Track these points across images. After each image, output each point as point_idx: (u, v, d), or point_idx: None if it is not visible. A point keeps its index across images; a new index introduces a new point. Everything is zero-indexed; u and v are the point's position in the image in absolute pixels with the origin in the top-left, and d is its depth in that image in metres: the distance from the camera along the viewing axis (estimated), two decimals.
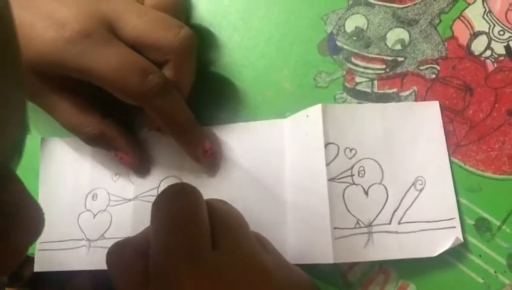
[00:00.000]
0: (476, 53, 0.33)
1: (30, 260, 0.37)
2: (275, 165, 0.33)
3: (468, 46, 0.33)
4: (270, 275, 0.25)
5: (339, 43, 0.35)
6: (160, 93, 0.30)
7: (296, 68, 0.36)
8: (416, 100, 0.33)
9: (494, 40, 0.33)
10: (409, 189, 0.31)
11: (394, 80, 0.34)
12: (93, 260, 0.35)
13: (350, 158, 0.32)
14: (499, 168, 0.31)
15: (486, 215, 0.31)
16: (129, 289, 0.25)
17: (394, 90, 0.34)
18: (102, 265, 0.31)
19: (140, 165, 0.35)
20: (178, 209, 0.25)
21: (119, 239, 0.32)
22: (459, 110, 0.32)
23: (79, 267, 0.35)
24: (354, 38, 0.35)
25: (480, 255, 0.30)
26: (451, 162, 0.32)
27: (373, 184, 0.31)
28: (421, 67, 0.34)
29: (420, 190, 0.31)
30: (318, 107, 0.32)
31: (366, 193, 0.31)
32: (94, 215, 0.36)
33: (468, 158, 0.32)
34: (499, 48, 0.33)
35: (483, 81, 0.32)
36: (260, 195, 0.33)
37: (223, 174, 0.34)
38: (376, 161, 0.32)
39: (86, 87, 0.32)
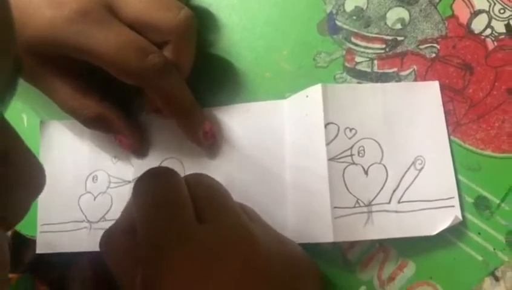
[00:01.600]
0: (476, 32, 0.33)
1: (31, 243, 0.37)
2: (275, 146, 0.34)
3: (468, 24, 0.33)
4: (257, 240, 0.25)
5: (338, 23, 0.35)
6: (160, 74, 0.30)
7: (296, 48, 0.35)
8: (415, 79, 0.33)
9: (495, 19, 0.33)
10: (409, 168, 0.31)
11: (394, 60, 0.34)
12: (94, 241, 0.34)
13: (350, 138, 0.32)
14: (499, 147, 0.31)
15: (485, 194, 0.31)
16: (122, 269, 0.26)
17: (394, 69, 0.34)
18: None
19: (139, 148, 0.35)
20: (159, 188, 0.25)
21: None
22: (458, 89, 0.32)
23: (80, 248, 0.35)
24: (354, 17, 0.35)
25: (479, 233, 0.30)
26: (450, 141, 0.32)
27: (373, 164, 0.31)
28: (421, 47, 0.33)
29: (420, 170, 0.31)
30: (317, 87, 0.32)
31: (366, 173, 0.31)
32: (95, 197, 0.36)
33: (468, 137, 0.32)
34: (499, 27, 0.33)
35: (483, 60, 0.32)
36: (260, 175, 0.33)
37: (223, 156, 0.34)
38: (375, 141, 0.32)
39: (85, 69, 0.32)
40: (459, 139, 0.32)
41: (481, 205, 0.31)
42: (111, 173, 0.36)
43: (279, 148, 0.33)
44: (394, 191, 0.31)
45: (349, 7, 0.35)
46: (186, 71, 0.33)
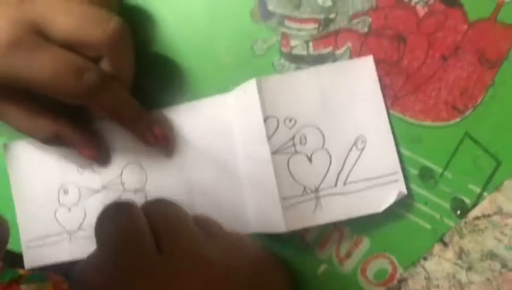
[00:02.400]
0: None
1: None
2: (226, 140, 0.34)
3: None
4: (212, 262, 0.26)
5: (270, 7, 0.34)
6: (99, 90, 0.30)
7: (232, 40, 0.35)
8: (351, 56, 0.33)
9: None
10: (351, 149, 0.32)
11: (328, 39, 0.33)
12: (76, 249, 0.37)
13: (291, 128, 0.32)
14: (437, 116, 0.31)
15: (428, 164, 0.31)
16: None
17: (329, 49, 0.33)
18: (84, 254, 0.34)
19: (100, 155, 0.36)
20: (118, 226, 0.26)
21: None
22: (394, 61, 0.32)
23: (65, 258, 0.37)
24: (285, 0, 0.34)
25: (426, 203, 0.31)
26: (389, 116, 0.32)
27: (316, 150, 0.32)
28: (353, 22, 0.33)
29: (362, 149, 0.32)
30: (252, 82, 0.32)
31: (310, 160, 0.32)
32: (69, 209, 0.37)
33: (407, 109, 0.32)
34: None
35: (415, 28, 0.32)
36: (217, 171, 0.34)
37: (179, 156, 0.35)
38: (316, 127, 0.32)
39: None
40: (399, 112, 0.32)
41: (425, 175, 0.31)
42: (79, 184, 0.37)
43: (230, 143, 0.34)
44: (339, 173, 0.32)
45: None
46: (127, 80, 0.33)
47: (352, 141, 0.32)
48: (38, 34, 0.30)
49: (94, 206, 0.37)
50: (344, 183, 0.32)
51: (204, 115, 0.35)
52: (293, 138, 0.32)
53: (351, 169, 0.32)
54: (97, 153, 0.36)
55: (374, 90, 0.32)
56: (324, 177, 0.32)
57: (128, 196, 0.36)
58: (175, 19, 0.36)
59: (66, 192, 0.37)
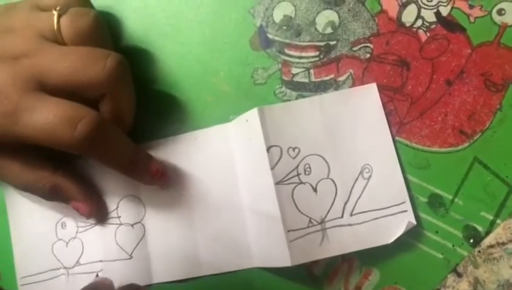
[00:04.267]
0: (407, 24, 0.32)
1: None
2: (228, 171, 0.33)
3: (399, 18, 0.32)
4: None
5: (270, 36, 0.34)
6: (94, 139, 0.29)
7: (232, 68, 0.35)
8: (353, 83, 0.32)
9: (424, 8, 0.32)
10: (357, 179, 0.31)
11: (330, 66, 0.33)
12: (73, 285, 0.35)
13: (294, 157, 0.31)
14: (445, 141, 0.31)
15: (438, 191, 0.31)
16: None
17: (331, 76, 0.33)
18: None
19: (96, 213, 0.35)
20: None
21: (93, 263, 0.34)
22: (397, 87, 0.32)
23: None
24: (285, 27, 0.34)
25: (436, 232, 0.30)
26: (396, 143, 0.31)
27: (321, 180, 0.31)
28: (354, 48, 0.32)
29: (368, 178, 0.31)
30: (254, 112, 0.32)
31: (315, 190, 0.31)
32: (67, 243, 0.36)
33: (413, 135, 0.31)
34: (430, 16, 0.32)
35: (417, 53, 0.31)
36: (219, 203, 0.33)
37: (179, 187, 0.34)
38: (320, 156, 0.31)
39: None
40: (405, 138, 0.31)
41: (435, 203, 0.30)
42: (76, 218, 0.36)
43: (231, 174, 0.33)
44: (346, 204, 0.31)
45: (278, 17, 0.34)
46: (128, 119, 0.33)
47: (358, 170, 0.31)
48: (36, 89, 0.29)
49: (91, 241, 0.35)
50: (351, 214, 0.31)
51: (205, 145, 0.34)
52: (297, 167, 0.31)
53: (358, 199, 0.31)
54: (93, 211, 0.34)
55: (379, 117, 0.31)
56: (330, 208, 0.31)
57: (125, 230, 0.34)
58: (174, 51, 0.36)
59: (64, 226, 0.36)
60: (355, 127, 0.31)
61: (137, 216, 0.34)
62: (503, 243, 0.29)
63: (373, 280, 0.31)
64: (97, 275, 0.34)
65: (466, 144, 0.31)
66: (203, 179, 0.34)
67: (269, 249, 0.31)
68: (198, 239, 0.33)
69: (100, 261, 0.34)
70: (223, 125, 0.34)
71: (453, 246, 0.30)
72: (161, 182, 0.34)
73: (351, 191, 0.31)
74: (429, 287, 0.30)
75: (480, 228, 0.30)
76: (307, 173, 0.31)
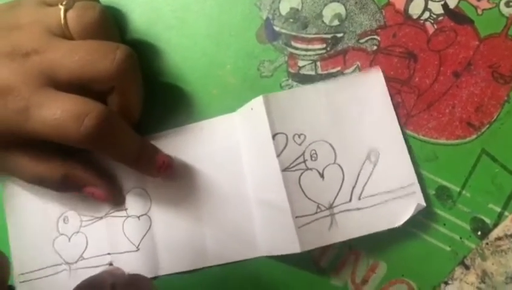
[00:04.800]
0: (415, 17, 0.32)
1: None
2: (234, 161, 0.33)
3: (406, 10, 0.32)
4: None
5: (276, 28, 0.34)
6: (100, 133, 0.29)
7: (238, 61, 0.35)
8: None
9: (431, 0, 0.32)
10: (364, 163, 0.31)
11: (337, 58, 0.33)
12: (76, 282, 0.34)
13: (300, 144, 0.31)
14: (452, 133, 0.31)
15: (445, 183, 0.30)
16: None
17: (338, 68, 0.33)
18: None
19: (113, 198, 0.35)
20: None
21: (99, 256, 0.34)
22: (405, 79, 0.31)
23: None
24: (291, 20, 0.34)
25: (444, 224, 0.30)
26: (402, 129, 0.31)
27: (328, 165, 0.31)
28: (361, 41, 0.32)
29: (375, 162, 0.31)
30: (259, 99, 0.31)
31: (322, 176, 0.31)
32: (69, 238, 0.36)
33: (421, 127, 0.31)
34: (437, 8, 0.32)
35: (425, 45, 0.31)
36: (224, 193, 0.33)
37: (185, 178, 0.34)
38: (326, 142, 0.31)
39: None
40: (413, 131, 0.31)
41: (443, 195, 0.30)
42: (80, 212, 0.36)
43: (237, 163, 0.33)
44: (353, 188, 0.31)
45: (284, 10, 0.34)
46: (136, 111, 0.33)
47: (365, 155, 0.31)
48: (46, 85, 0.29)
49: (96, 235, 0.35)
50: (359, 198, 0.30)
51: (210, 135, 0.34)
52: (303, 153, 0.31)
53: (366, 183, 0.31)
54: (111, 195, 0.34)
55: (385, 101, 0.31)
56: (338, 193, 0.31)
57: (132, 222, 0.34)
58: (180, 43, 0.36)
59: (66, 221, 0.36)
60: (361, 112, 0.31)
61: (143, 208, 0.34)
62: (511, 236, 0.29)
63: (379, 273, 0.31)
64: (110, 264, 0.33)
65: (473, 136, 0.30)
66: (208, 170, 0.34)
67: (277, 237, 0.31)
68: (204, 230, 0.33)
69: (108, 253, 0.34)
70: (229, 115, 0.34)
71: (461, 238, 0.30)
72: (167, 174, 0.34)
73: (358, 176, 0.31)
74: (437, 279, 0.30)
75: (488, 220, 0.30)
76: (313, 159, 0.31)
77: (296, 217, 0.30)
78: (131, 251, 0.34)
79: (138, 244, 0.34)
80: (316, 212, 0.31)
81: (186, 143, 0.34)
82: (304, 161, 0.31)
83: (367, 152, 0.31)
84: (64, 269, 0.35)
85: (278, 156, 0.31)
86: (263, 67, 0.34)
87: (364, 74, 0.32)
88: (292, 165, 0.31)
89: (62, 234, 0.36)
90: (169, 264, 0.33)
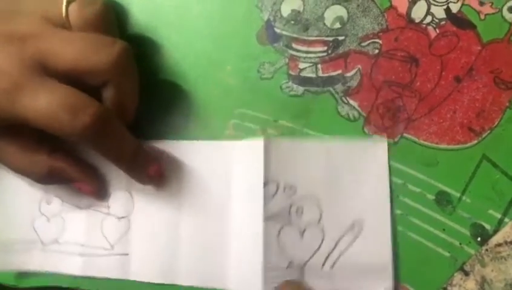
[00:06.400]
0: (417, 20, 0.32)
1: None
2: (221, 191, 0.33)
3: (408, 14, 0.32)
4: None
5: (277, 30, 0.34)
6: (94, 129, 0.29)
7: (239, 62, 0.34)
8: (361, 79, 0.32)
9: (434, 4, 0.31)
10: (346, 232, 0.31)
11: (338, 61, 0.32)
12: (47, 262, 0.35)
13: (289, 197, 0.31)
14: (453, 138, 0.30)
15: (445, 188, 0.30)
16: None
17: (339, 71, 0.32)
18: (56, 268, 0.35)
19: (99, 193, 0.35)
20: None
21: (72, 244, 0.34)
22: (406, 83, 0.31)
23: (34, 268, 0.35)
24: (292, 22, 0.33)
25: (444, 229, 0.30)
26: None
27: (310, 224, 0.31)
28: (363, 44, 0.32)
29: (357, 234, 0.31)
30: (259, 142, 0.32)
31: (302, 234, 0.31)
32: (48, 219, 0.36)
33: (421, 132, 0.31)
34: (439, 12, 0.31)
35: (427, 49, 0.31)
36: (207, 218, 0.33)
37: (171, 193, 0.34)
38: (315, 201, 0.31)
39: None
40: (413, 135, 0.31)
41: (442, 200, 0.30)
42: (64, 199, 0.36)
43: (225, 195, 0.33)
44: (329, 254, 0.31)
45: (285, 11, 0.34)
46: (131, 110, 0.32)
47: (349, 224, 0.31)
48: (41, 71, 0.29)
49: (75, 223, 0.35)
50: (332, 267, 0.31)
51: (206, 158, 0.34)
52: (290, 207, 0.31)
53: (342, 253, 0.31)
54: (97, 189, 0.34)
55: (382, 175, 0.31)
56: (313, 255, 0.31)
57: (112, 221, 0.34)
58: (180, 43, 0.35)
59: (48, 202, 0.36)
60: (356, 180, 0.31)
61: (125, 211, 0.34)
62: (511, 242, 0.29)
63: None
64: None
65: (474, 142, 0.30)
66: (196, 191, 0.34)
67: (245, 280, 0.31)
68: (180, 248, 0.33)
69: (82, 245, 0.34)
70: (228, 143, 0.33)
71: (460, 244, 0.30)
72: (156, 183, 0.33)
73: (337, 243, 0.31)
74: (436, 285, 0.30)
75: (488, 227, 0.30)
76: (298, 214, 0.31)
77: (267, 267, 0.31)
78: (104, 249, 0.34)
79: (113, 245, 0.34)
80: (287, 268, 0.31)
81: (180, 159, 0.34)
82: (289, 214, 0.31)
83: (351, 222, 0.31)
84: (38, 248, 0.35)
85: (265, 204, 0.31)
86: (263, 69, 0.34)
87: (369, 141, 0.32)
88: (275, 216, 0.31)
89: (42, 214, 0.36)
90: (139, 272, 0.33)
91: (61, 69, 0.29)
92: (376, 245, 0.30)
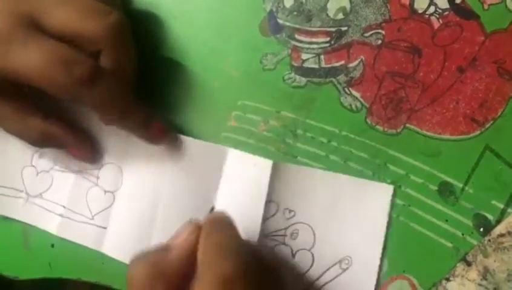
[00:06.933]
0: (420, 11, 0.31)
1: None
2: (208, 191, 0.33)
3: (411, 4, 0.32)
4: None
5: (280, 21, 0.34)
6: (88, 84, 0.29)
7: (241, 54, 0.34)
8: (364, 69, 0.32)
9: None
10: (334, 264, 0.31)
11: (341, 52, 0.32)
12: (29, 214, 0.36)
13: (287, 219, 0.32)
14: (456, 129, 0.30)
15: (448, 179, 0.30)
16: None
17: (342, 62, 0.32)
18: (35, 221, 0.35)
19: (92, 156, 0.35)
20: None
21: (55, 203, 0.35)
22: (409, 74, 0.31)
23: (13, 216, 0.36)
24: (295, 13, 0.33)
25: (446, 220, 0.30)
26: (406, 129, 0.31)
27: (302, 249, 0.31)
28: (366, 34, 0.32)
29: (344, 270, 0.31)
30: (268, 163, 0.32)
31: (293, 255, 0.31)
32: (37, 173, 0.36)
33: (424, 122, 0.31)
34: (443, 2, 0.31)
35: (430, 40, 0.31)
36: (191, 213, 0.32)
37: (163, 181, 0.34)
38: (311, 228, 0.32)
39: (25, 88, 0.32)
40: (416, 126, 0.31)
41: (445, 191, 0.30)
42: (57, 157, 0.36)
43: (212, 194, 0.33)
44: (315, 281, 0.31)
45: (288, 2, 0.33)
46: (128, 77, 0.32)
47: (339, 258, 0.31)
48: (31, 25, 0.29)
49: (62, 183, 0.36)
50: None
51: (197, 156, 0.33)
52: (286, 229, 0.32)
53: (327, 283, 0.31)
54: (89, 154, 0.35)
55: (381, 220, 0.31)
56: (300, 278, 0.31)
57: (97, 192, 0.35)
58: (182, 33, 0.35)
59: (41, 156, 0.36)
60: (355, 217, 0.31)
61: (112, 186, 0.35)
62: None
63: (381, 269, 0.31)
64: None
65: (477, 132, 0.30)
66: (186, 187, 0.34)
67: None
68: (157, 234, 0.33)
69: (63, 207, 0.35)
70: (221, 147, 0.33)
71: (463, 234, 0.30)
72: (162, 140, 0.33)
73: (324, 273, 0.31)
74: (438, 275, 0.30)
75: (490, 217, 0.30)
76: (293, 237, 0.32)
77: None
78: (85, 216, 0.35)
79: (94, 215, 0.35)
80: None
81: (183, 154, 0.34)
82: (284, 236, 0.32)
83: (341, 256, 0.31)
84: (21, 197, 0.36)
85: (264, 221, 0.32)
86: (266, 60, 0.34)
87: (376, 185, 0.31)
88: (271, 234, 0.32)
89: (32, 166, 0.37)
90: (112, 248, 0.34)
91: (53, 28, 0.29)
92: (362, 282, 0.31)
